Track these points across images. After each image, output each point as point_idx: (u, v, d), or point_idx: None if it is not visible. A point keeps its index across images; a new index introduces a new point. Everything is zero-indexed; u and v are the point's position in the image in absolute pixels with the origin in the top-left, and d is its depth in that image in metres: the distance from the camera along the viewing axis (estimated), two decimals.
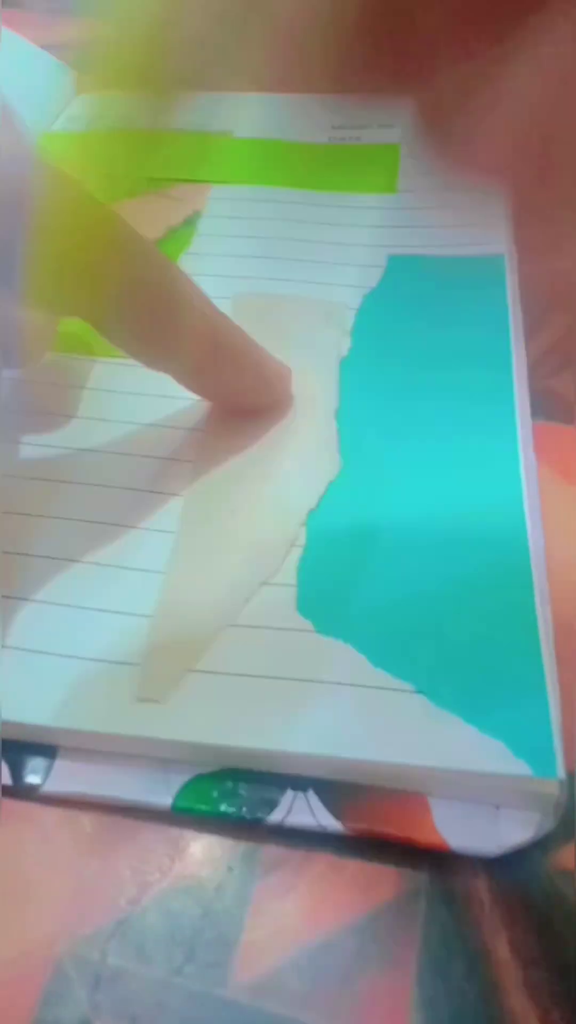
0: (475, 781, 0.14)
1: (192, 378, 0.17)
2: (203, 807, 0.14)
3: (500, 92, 0.08)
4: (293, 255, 0.24)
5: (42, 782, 0.14)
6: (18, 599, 0.16)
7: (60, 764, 0.14)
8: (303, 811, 0.14)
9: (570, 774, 0.13)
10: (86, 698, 0.14)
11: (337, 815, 0.14)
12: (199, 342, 0.16)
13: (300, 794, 0.14)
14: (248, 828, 0.14)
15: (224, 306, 0.17)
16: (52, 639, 0.15)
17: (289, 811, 0.14)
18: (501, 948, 0.13)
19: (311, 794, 0.14)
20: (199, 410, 0.19)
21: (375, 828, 0.14)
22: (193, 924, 0.13)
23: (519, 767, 0.13)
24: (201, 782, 0.14)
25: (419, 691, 0.14)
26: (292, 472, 0.18)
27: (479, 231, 0.25)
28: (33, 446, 0.19)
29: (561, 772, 0.13)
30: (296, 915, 0.13)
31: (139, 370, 0.17)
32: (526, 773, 0.13)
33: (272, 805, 0.14)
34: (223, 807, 0.14)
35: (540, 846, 0.14)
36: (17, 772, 0.14)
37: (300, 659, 0.15)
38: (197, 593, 0.16)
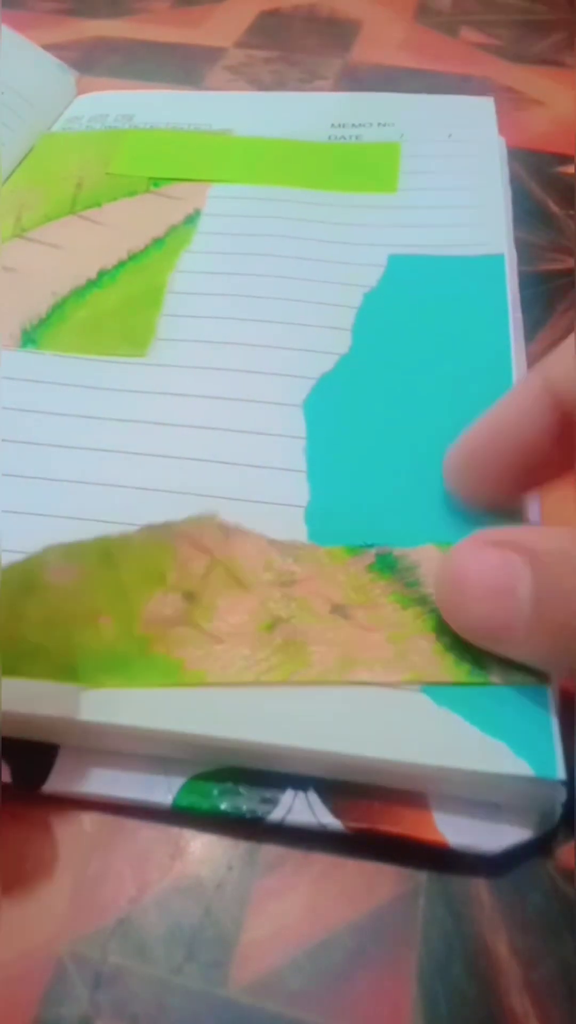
0: (476, 780, 0.14)
1: None
2: (203, 806, 0.14)
3: None
4: (293, 253, 0.24)
5: (43, 781, 0.14)
6: None
7: (61, 763, 0.14)
8: (303, 810, 0.14)
9: (570, 774, 0.13)
10: (86, 690, 0.14)
11: (337, 814, 0.14)
12: None
13: (300, 793, 0.14)
14: (248, 827, 0.14)
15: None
16: None
17: (289, 810, 0.14)
18: (501, 947, 0.13)
19: (311, 793, 0.14)
20: None
21: (375, 827, 0.14)
22: (193, 923, 0.13)
23: (520, 767, 0.13)
24: (201, 781, 0.14)
25: (420, 689, 0.14)
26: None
27: (479, 231, 0.25)
28: None
29: (561, 772, 0.13)
30: (296, 914, 0.13)
31: None
32: (527, 773, 0.13)
33: (272, 804, 0.14)
34: (223, 806, 0.14)
35: (541, 845, 0.14)
36: (18, 771, 0.14)
37: None
38: None
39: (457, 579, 0.14)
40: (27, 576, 0.15)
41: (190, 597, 0.15)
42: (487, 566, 0.13)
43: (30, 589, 0.15)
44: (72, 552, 0.16)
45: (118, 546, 0.16)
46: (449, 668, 0.14)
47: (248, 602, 0.15)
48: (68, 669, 0.14)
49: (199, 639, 0.15)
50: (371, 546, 0.16)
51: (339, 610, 0.15)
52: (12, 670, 0.14)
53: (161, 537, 0.16)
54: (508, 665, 0.14)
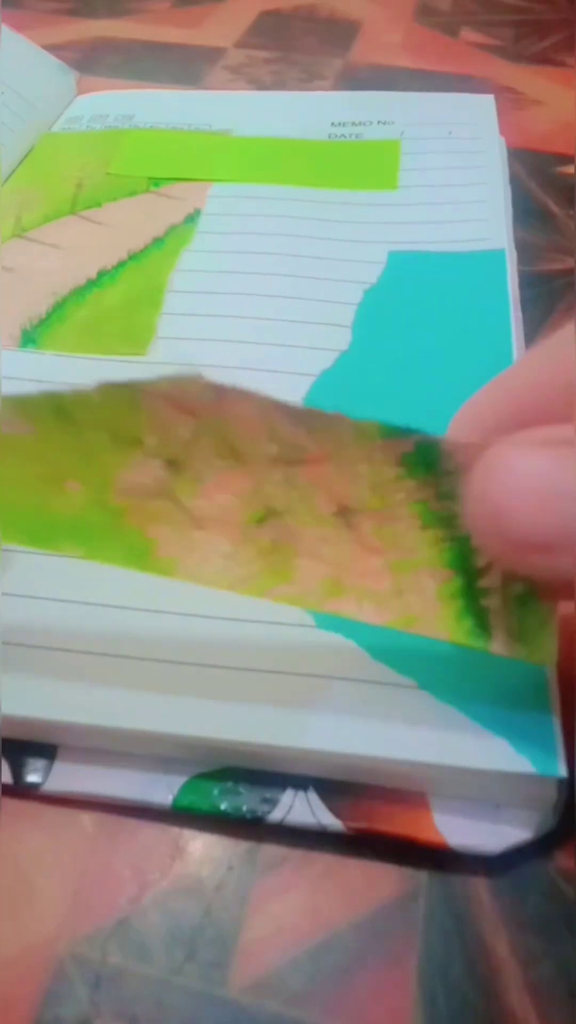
0: (476, 778, 0.14)
1: None
2: (203, 806, 0.14)
3: None
4: (293, 251, 0.24)
5: (42, 781, 0.14)
6: (18, 596, 0.16)
7: (60, 763, 0.14)
8: (303, 810, 0.14)
9: (571, 772, 0.13)
10: (86, 692, 0.14)
11: (337, 814, 0.14)
12: None
13: (300, 793, 0.14)
14: (248, 827, 0.14)
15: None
16: (52, 633, 0.15)
17: (289, 810, 0.14)
18: (501, 947, 0.13)
19: (311, 793, 0.14)
20: None
21: (375, 827, 0.14)
22: (193, 923, 0.13)
23: (521, 764, 0.13)
24: (201, 781, 0.14)
25: (421, 687, 0.14)
26: None
27: (479, 227, 0.25)
28: None
29: (562, 770, 0.13)
30: (296, 914, 0.13)
31: None
32: (528, 770, 0.13)
33: (272, 804, 0.14)
34: (223, 806, 0.14)
35: (540, 845, 0.14)
36: (17, 771, 0.14)
37: (299, 654, 0.15)
38: None
39: (501, 481, 0.11)
40: None
41: (174, 465, 0.13)
42: (536, 466, 0.11)
43: None
44: (18, 405, 0.13)
45: (73, 402, 0.13)
46: (449, 621, 0.12)
47: (241, 479, 0.13)
48: (34, 534, 0.13)
49: (177, 517, 0.13)
50: (413, 432, 0.12)
51: (345, 514, 0.13)
52: None
53: (126, 396, 0.13)
54: (513, 637, 0.12)
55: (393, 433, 0.12)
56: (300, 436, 0.13)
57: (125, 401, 0.13)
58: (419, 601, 0.12)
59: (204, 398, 0.13)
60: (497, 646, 0.12)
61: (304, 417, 0.13)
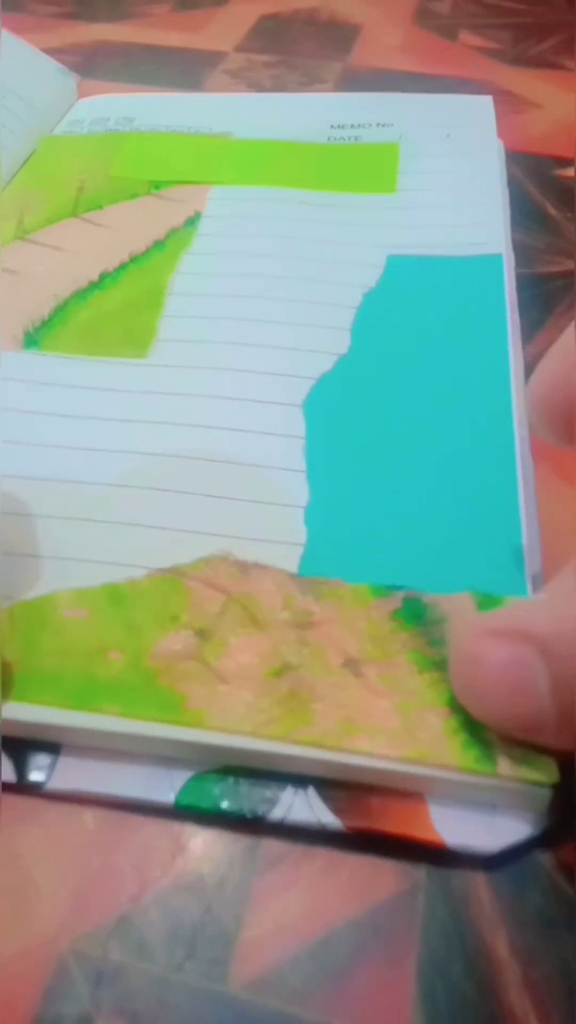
0: (472, 784, 0.14)
1: None
2: (205, 804, 0.14)
3: None
4: (292, 254, 0.24)
5: (46, 779, 0.14)
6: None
7: (64, 761, 0.15)
8: (303, 809, 0.14)
9: (570, 772, 0.13)
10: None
11: (336, 813, 0.14)
12: None
13: (300, 792, 0.14)
14: (249, 825, 0.14)
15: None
16: None
17: (289, 809, 0.14)
18: (500, 946, 0.13)
19: (311, 792, 0.14)
20: None
21: (373, 826, 0.14)
22: (194, 920, 0.13)
23: (515, 772, 0.13)
24: (203, 780, 0.14)
25: None
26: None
27: (477, 231, 0.25)
28: None
29: (555, 777, 0.13)
30: (296, 911, 0.13)
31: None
32: (517, 787, 0.13)
33: (273, 803, 0.14)
34: (224, 805, 0.14)
35: (538, 843, 0.14)
36: (21, 769, 0.14)
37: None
38: None
39: (471, 679, 0.13)
40: (40, 611, 0.16)
41: (202, 634, 0.15)
42: (499, 664, 0.13)
43: (43, 623, 0.15)
44: (81, 597, 0.16)
45: (127, 590, 0.16)
46: (456, 752, 0.13)
47: (260, 643, 0.15)
48: (76, 696, 0.14)
49: (204, 676, 0.15)
50: (399, 589, 0.16)
51: (351, 665, 0.15)
52: (23, 695, 0.14)
53: (171, 580, 0.16)
54: (517, 760, 0.13)
55: (382, 593, 0.15)
56: (308, 603, 0.15)
57: (169, 585, 0.16)
58: (427, 736, 0.14)
59: (231, 575, 0.16)
60: (503, 770, 0.13)
61: (311, 585, 0.16)
